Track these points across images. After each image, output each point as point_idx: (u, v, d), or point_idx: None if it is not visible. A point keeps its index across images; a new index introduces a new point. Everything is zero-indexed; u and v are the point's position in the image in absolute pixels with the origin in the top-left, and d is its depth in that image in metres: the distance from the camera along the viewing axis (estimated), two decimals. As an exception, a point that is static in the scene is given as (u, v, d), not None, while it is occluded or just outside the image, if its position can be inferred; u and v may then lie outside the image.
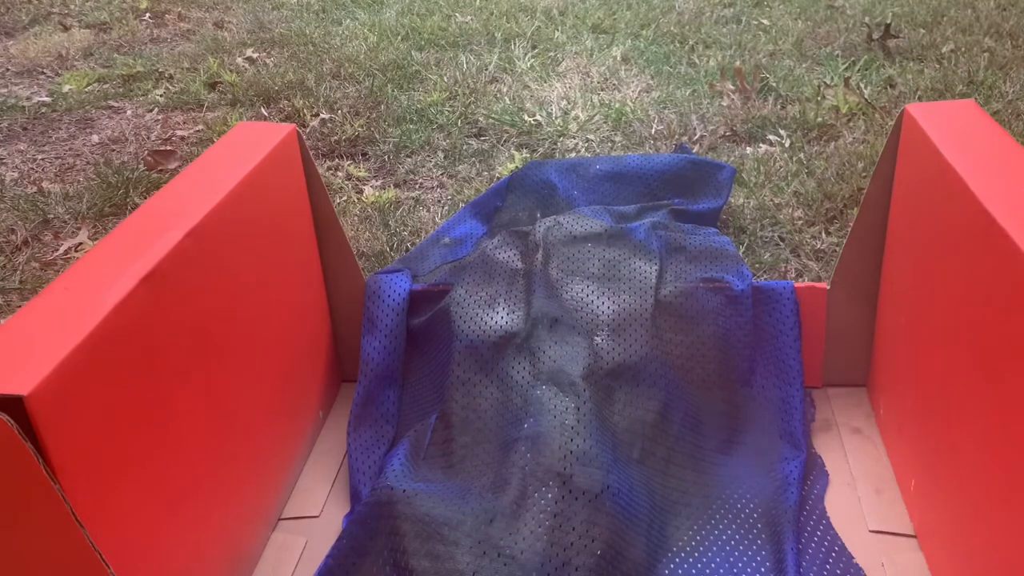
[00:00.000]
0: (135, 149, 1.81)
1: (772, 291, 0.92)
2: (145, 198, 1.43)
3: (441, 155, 1.68)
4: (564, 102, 1.93)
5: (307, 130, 1.83)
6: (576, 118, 1.83)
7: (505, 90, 2.01)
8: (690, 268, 0.94)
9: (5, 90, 2.22)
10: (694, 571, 0.74)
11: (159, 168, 1.68)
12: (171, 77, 2.25)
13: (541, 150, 1.69)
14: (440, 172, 1.63)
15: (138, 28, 2.76)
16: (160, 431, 0.62)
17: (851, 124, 1.70)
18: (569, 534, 0.68)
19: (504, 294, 0.91)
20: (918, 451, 0.78)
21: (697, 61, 2.17)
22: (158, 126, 1.95)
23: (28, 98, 2.14)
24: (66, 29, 2.76)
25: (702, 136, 1.70)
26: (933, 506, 0.75)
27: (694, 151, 1.59)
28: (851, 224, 0.89)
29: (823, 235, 1.31)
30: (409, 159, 1.68)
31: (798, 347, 0.91)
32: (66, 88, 2.20)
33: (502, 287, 0.92)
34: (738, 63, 2.10)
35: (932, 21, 2.35)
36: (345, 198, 1.53)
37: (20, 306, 1.24)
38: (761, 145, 1.65)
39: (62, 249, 1.40)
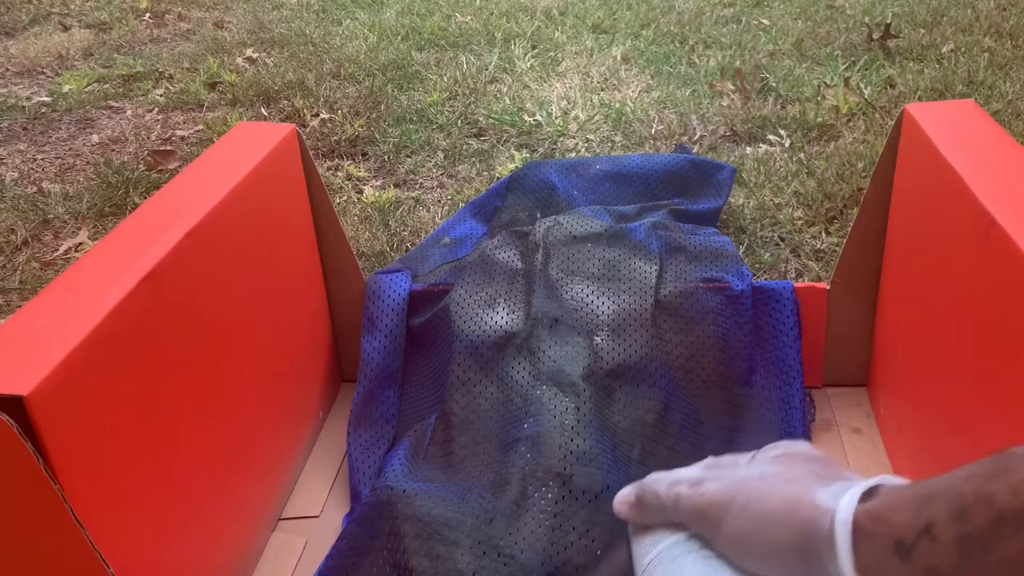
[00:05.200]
0: (135, 149, 1.81)
1: (772, 291, 0.92)
2: (145, 198, 1.43)
3: (441, 155, 1.68)
4: (564, 102, 1.93)
5: (307, 130, 1.83)
6: (576, 118, 1.83)
7: (505, 90, 2.01)
8: (690, 268, 0.94)
9: (5, 90, 2.22)
10: (694, 571, 0.74)
11: (159, 168, 1.68)
12: (171, 77, 2.25)
13: (541, 150, 1.69)
14: (440, 172, 1.63)
15: (138, 28, 2.76)
16: (160, 431, 0.62)
17: (851, 124, 1.70)
18: (569, 534, 0.68)
19: (504, 294, 0.91)
20: (918, 451, 0.78)
21: (697, 61, 2.17)
22: (158, 126, 1.95)
23: (28, 98, 2.14)
24: (66, 29, 2.76)
25: (702, 136, 1.70)
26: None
27: (694, 151, 1.59)
28: (851, 224, 0.89)
29: (823, 235, 1.31)
30: (409, 159, 1.68)
31: (798, 347, 0.91)
32: (66, 88, 2.20)
33: (502, 287, 0.92)
34: (738, 63, 2.10)
35: (932, 21, 2.35)
36: (345, 198, 1.53)
37: (20, 306, 1.24)
38: (761, 145, 1.65)
39: (62, 249, 1.40)
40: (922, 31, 2.27)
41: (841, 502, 0.32)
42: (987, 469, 0.29)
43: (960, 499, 0.29)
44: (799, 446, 0.39)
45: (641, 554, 0.42)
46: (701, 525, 0.39)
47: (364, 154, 1.73)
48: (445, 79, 2.09)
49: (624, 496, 0.44)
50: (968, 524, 0.28)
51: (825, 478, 0.35)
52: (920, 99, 1.82)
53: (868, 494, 0.33)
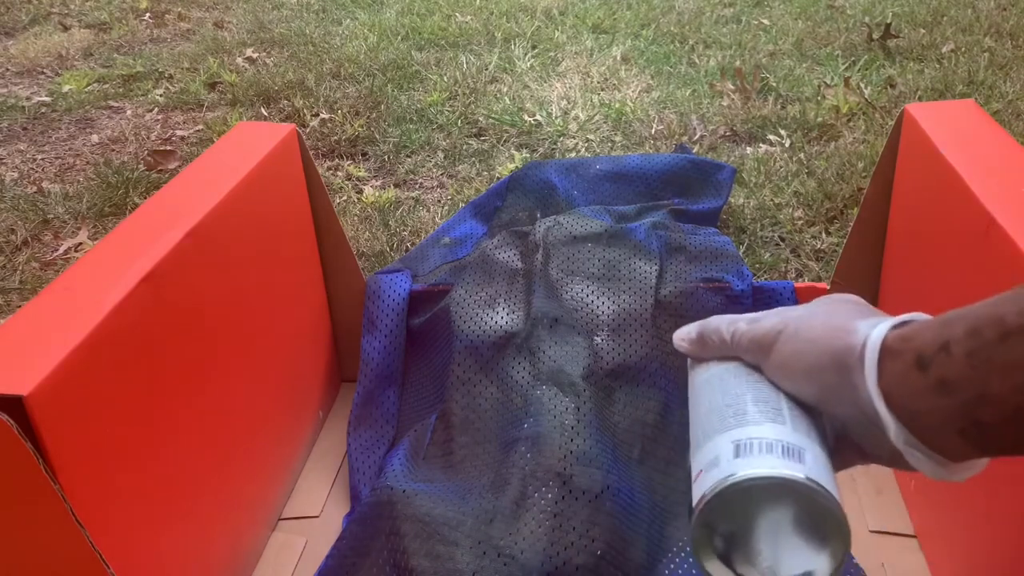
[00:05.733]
0: (135, 149, 1.81)
1: (772, 291, 0.92)
2: (145, 198, 1.43)
3: (441, 155, 1.68)
4: (564, 102, 1.93)
5: (307, 130, 1.83)
6: (576, 118, 1.83)
7: (505, 90, 2.02)
8: (690, 268, 0.94)
9: (5, 90, 2.22)
10: (694, 571, 0.74)
11: (159, 168, 1.68)
12: (171, 77, 2.25)
13: (541, 150, 1.69)
14: (440, 172, 1.63)
15: (138, 28, 2.76)
16: (160, 431, 0.62)
17: (851, 124, 1.70)
18: (569, 534, 0.68)
19: (504, 294, 0.91)
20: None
21: (697, 61, 2.17)
22: (158, 126, 1.95)
23: (28, 98, 2.14)
24: (66, 29, 2.76)
25: (702, 136, 1.70)
26: (933, 506, 0.75)
27: (694, 151, 1.59)
28: (851, 224, 0.89)
29: (823, 235, 1.31)
30: (409, 159, 1.68)
31: (798, 347, 0.90)
32: (66, 88, 2.20)
33: (502, 287, 0.92)
34: (738, 63, 2.10)
35: (932, 21, 2.35)
36: (345, 198, 1.53)
37: (20, 306, 1.24)
38: (761, 145, 1.65)
39: (62, 249, 1.40)
40: (922, 31, 2.27)
41: (876, 328, 0.37)
42: (1004, 297, 0.34)
43: (976, 320, 0.34)
44: (846, 295, 0.44)
45: (692, 379, 0.48)
46: (755, 354, 0.44)
47: (364, 154, 1.73)
48: (445, 79, 2.09)
49: (685, 333, 0.49)
50: (979, 339, 0.33)
51: (866, 314, 0.40)
52: (920, 99, 1.82)
53: (901, 324, 0.38)
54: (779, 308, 0.46)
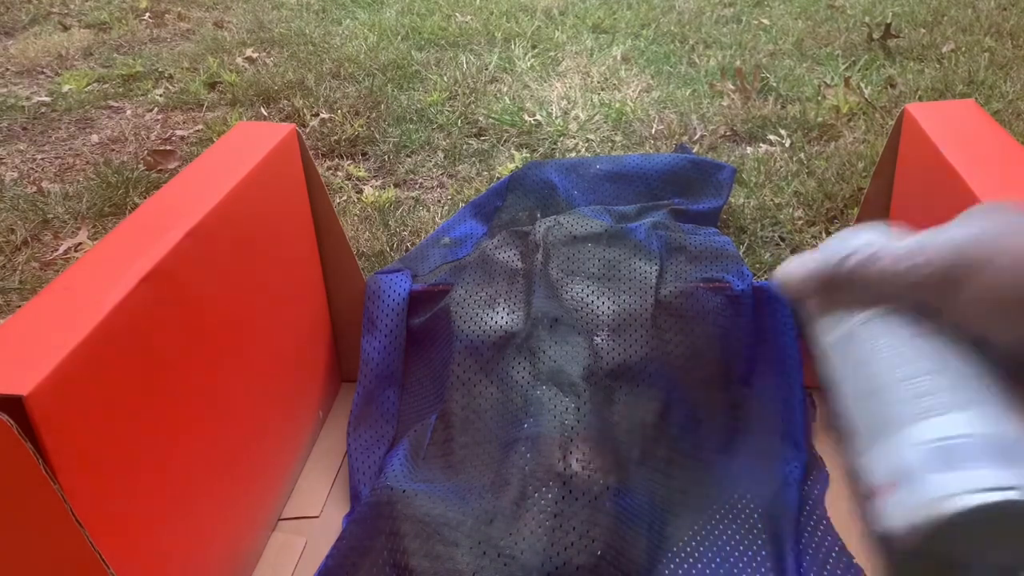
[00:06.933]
0: (135, 149, 1.81)
1: (772, 291, 0.92)
2: (145, 198, 1.43)
3: (441, 155, 1.68)
4: (564, 102, 1.93)
5: (307, 130, 1.83)
6: (576, 118, 1.83)
7: (505, 90, 2.01)
8: (690, 268, 0.94)
9: (5, 90, 2.22)
10: (694, 571, 0.74)
11: (159, 168, 1.68)
12: (171, 77, 2.25)
13: (541, 150, 1.69)
14: (440, 172, 1.63)
15: (138, 28, 2.76)
16: (160, 431, 0.61)
17: (851, 124, 1.70)
18: (569, 534, 0.68)
19: (504, 294, 0.91)
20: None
21: (697, 61, 2.17)
22: (158, 126, 1.95)
23: (28, 98, 2.14)
24: (66, 29, 2.76)
25: (702, 136, 1.70)
26: (933, 506, 0.75)
27: (694, 151, 1.59)
28: (851, 224, 0.89)
29: (823, 235, 1.31)
30: (409, 159, 1.68)
31: (798, 347, 0.91)
32: (66, 88, 2.20)
33: (502, 287, 0.92)
34: (738, 63, 2.10)
35: (932, 21, 2.35)
36: (345, 198, 1.53)
37: (20, 306, 1.24)
38: (761, 145, 1.65)
39: (62, 249, 1.40)
40: (922, 31, 2.27)
41: None
42: None
43: None
44: (986, 205, 0.33)
45: (819, 335, 0.37)
46: (934, 291, 0.33)
47: (364, 154, 1.73)
48: (445, 79, 2.09)
49: (795, 268, 0.36)
50: None
51: None
52: (920, 99, 1.82)
53: None
54: (923, 234, 0.35)
